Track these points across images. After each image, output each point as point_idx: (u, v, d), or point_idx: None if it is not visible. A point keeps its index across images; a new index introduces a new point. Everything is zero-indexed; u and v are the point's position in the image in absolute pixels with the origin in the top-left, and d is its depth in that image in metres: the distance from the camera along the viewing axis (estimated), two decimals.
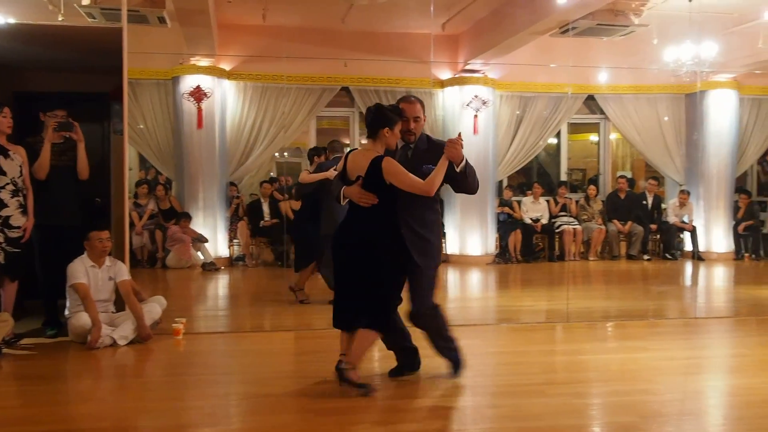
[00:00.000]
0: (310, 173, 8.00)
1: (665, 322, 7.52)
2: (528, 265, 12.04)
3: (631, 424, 4.05)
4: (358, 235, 4.57)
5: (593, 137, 14.32)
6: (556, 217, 12.69)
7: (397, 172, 4.46)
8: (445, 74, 12.38)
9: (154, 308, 6.25)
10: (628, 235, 12.84)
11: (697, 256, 12.69)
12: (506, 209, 12.55)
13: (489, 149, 12.19)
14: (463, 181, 4.64)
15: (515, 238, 12.26)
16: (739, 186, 13.53)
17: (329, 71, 11.92)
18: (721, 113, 12.92)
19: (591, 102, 13.35)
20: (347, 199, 4.61)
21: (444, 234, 12.29)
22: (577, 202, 13.11)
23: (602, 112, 13.35)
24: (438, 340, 4.94)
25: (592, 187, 13.25)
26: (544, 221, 12.54)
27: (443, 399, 4.54)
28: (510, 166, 13.04)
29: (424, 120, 4.83)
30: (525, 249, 12.38)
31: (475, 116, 12.01)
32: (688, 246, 12.92)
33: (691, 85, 12.20)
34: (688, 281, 11.34)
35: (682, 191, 13.00)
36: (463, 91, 12.13)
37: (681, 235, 13.02)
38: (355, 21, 11.21)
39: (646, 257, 12.77)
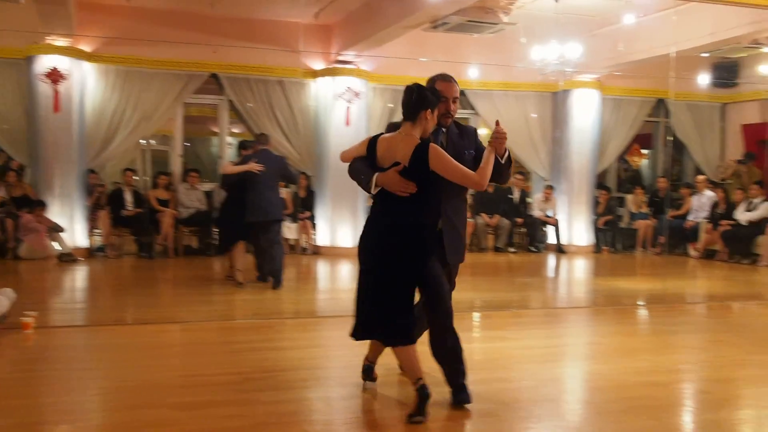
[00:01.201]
0: (235, 165, 8.63)
1: (528, 312, 7.86)
2: None
3: (489, 411, 4.24)
4: (394, 232, 4.14)
5: None
6: None
7: (446, 160, 4.07)
8: (318, 64, 12.41)
9: (0, 301, 5.99)
10: (495, 228, 13.31)
11: (559, 249, 13.32)
12: None
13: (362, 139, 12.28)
14: (504, 171, 4.33)
15: None
16: (600, 182, 14.27)
17: (197, 57, 11.70)
18: (584, 112, 13.58)
19: (462, 97, 13.57)
20: (378, 188, 4.16)
21: (314, 225, 12.37)
22: None
23: (472, 108, 13.74)
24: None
25: None
26: None
27: (302, 390, 4.59)
28: None
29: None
30: None
31: (348, 108, 12.12)
32: (552, 239, 13.53)
33: (557, 84, 12.77)
34: (550, 273, 11.84)
35: (546, 186, 13.60)
36: (336, 81, 12.20)
37: (545, 229, 13.62)
38: (225, 6, 11.07)
39: (511, 250, 13.29)
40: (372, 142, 4.28)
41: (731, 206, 12.70)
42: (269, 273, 8.50)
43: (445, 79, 4.36)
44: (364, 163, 4.27)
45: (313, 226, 12.36)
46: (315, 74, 12.42)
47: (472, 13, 10.03)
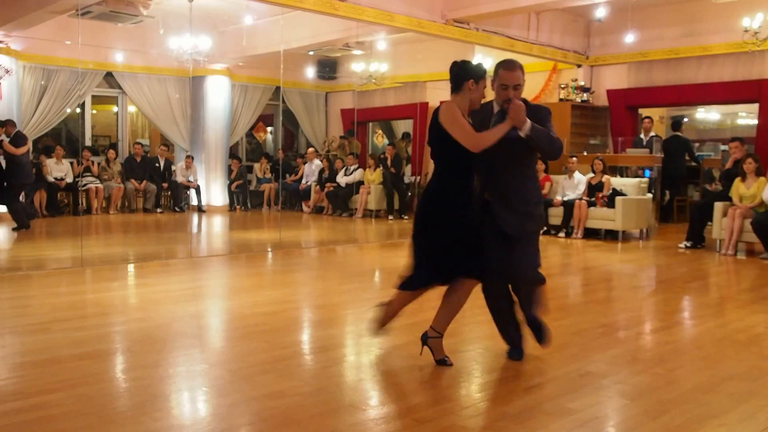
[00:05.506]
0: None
1: (173, 262, 7.50)
2: (54, 219, 11.04)
3: (126, 348, 3.99)
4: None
5: (115, 108, 13.71)
6: (81, 176, 11.86)
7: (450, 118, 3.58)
8: None
9: None
10: (143, 192, 12.64)
11: (200, 209, 13.07)
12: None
13: (14, 113, 10.79)
14: (539, 144, 3.48)
15: (40, 195, 11.15)
16: (233, 153, 14.27)
17: None
18: (217, 95, 13.38)
19: (111, 78, 12.72)
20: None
21: None
22: (99, 164, 12.42)
23: (120, 88, 12.82)
24: None
25: (111, 151, 12.68)
26: (69, 180, 11.63)
27: None
28: (36, 130, 11.77)
29: (523, 86, 3.58)
30: (50, 205, 11.34)
31: None
32: (194, 200, 13.23)
33: (193, 70, 12.40)
34: (194, 229, 11.58)
35: (187, 156, 13.20)
36: None
37: (188, 192, 13.26)
38: None
39: (159, 210, 12.74)
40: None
41: (334, 172, 13.47)
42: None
43: (507, 67, 3.56)
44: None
45: None
46: None
47: (113, 5, 9.27)
